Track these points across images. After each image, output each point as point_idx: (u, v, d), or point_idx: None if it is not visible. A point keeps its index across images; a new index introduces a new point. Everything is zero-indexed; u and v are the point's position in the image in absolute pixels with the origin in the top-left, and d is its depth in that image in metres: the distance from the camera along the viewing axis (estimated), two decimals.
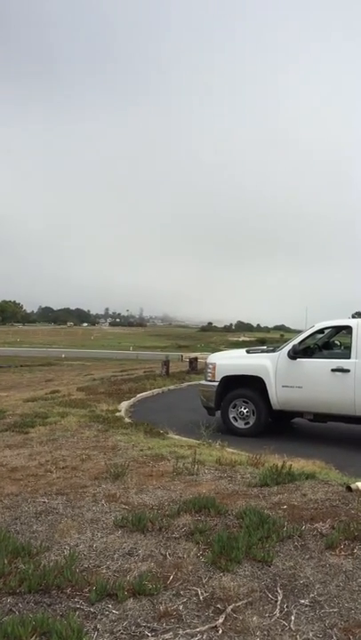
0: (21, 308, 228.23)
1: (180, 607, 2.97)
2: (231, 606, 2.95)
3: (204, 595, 3.08)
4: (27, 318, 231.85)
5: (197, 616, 2.88)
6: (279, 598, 3.04)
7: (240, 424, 9.48)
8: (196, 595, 3.09)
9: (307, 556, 3.56)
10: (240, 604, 2.99)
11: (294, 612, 2.92)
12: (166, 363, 21.37)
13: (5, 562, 3.43)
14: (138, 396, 14.09)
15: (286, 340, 9.95)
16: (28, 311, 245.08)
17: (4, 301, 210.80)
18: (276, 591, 3.12)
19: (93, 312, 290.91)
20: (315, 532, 3.91)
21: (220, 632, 2.72)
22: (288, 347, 9.16)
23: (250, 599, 3.04)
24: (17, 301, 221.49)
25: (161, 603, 3.01)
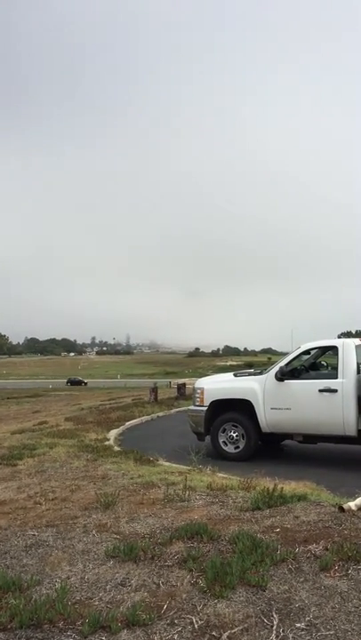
0: (7, 339, 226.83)
1: (175, 636, 2.92)
2: (227, 633, 2.91)
3: (199, 623, 3.04)
4: (13, 350, 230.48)
5: None
6: (275, 623, 3.00)
7: (230, 448, 9.43)
8: (191, 623, 3.04)
9: (301, 579, 3.53)
10: (236, 630, 2.95)
11: (290, 636, 2.88)
12: (154, 390, 21.29)
13: None
14: (127, 424, 13.99)
15: (273, 363, 9.98)
16: (14, 343, 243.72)
17: None
18: (272, 616, 3.08)
19: (80, 341, 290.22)
20: (308, 555, 3.88)
21: None
22: (275, 369, 9.18)
23: (245, 625, 3.00)
24: (2, 333, 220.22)
25: (155, 633, 2.96)
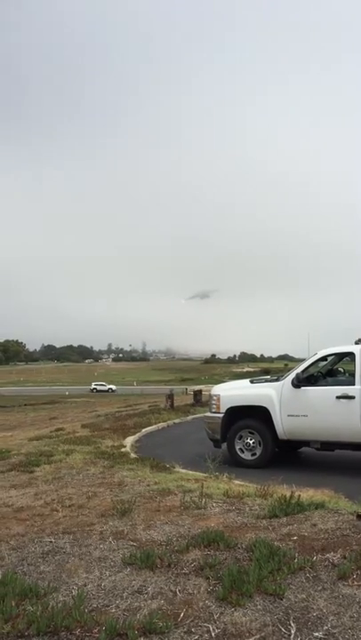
0: (24, 347, 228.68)
1: None
2: None
3: (216, 631, 3.02)
4: (30, 357, 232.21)
5: None
6: (292, 632, 2.98)
7: (247, 455, 9.39)
8: (208, 631, 3.03)
9: (319, 588, 3.49)
10: (253, 639, 2.93)
11: None
12: (171, 396, 21.28)
13: (13, 604, 3.37)
14: (143, 430, 14.00)
15: (290, 370, 9.93)
16: (31, 350, 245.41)
17: (7, 341, 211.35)
18: (290, 625, 3.05)
19: (96, 348, 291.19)
20: (326, 563, 3.85)
21: None
22: (292, 375, 9.13)
23: (262, 634, 2.97)
24: (19, 340, 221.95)
25: None
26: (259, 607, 3.28)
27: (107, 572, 3.95)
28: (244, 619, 3.14)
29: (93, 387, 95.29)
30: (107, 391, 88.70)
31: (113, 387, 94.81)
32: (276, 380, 9.61)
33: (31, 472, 8.05)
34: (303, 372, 9.11)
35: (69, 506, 5.96)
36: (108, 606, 3.39)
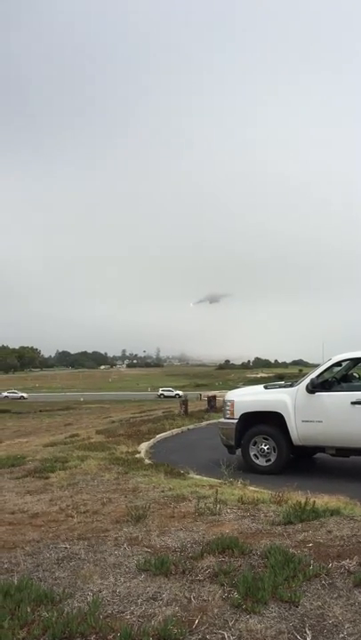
0: (39, 353, 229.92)
1: None
2: None
3: (232, 638, 3.01)
4: (44, 363, 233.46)
5: None
6: (308, 639, 2.96)
7: (261, 461, 9.36)
8: (223, 638, 3.02)
9: (335, 595, 3.47)
10: None
11: None
12: (185, 402, 21.29)
13: (29, 610, 3.38)
14: (157, 436, 14.00)
15: (304, 375, 9.89)
16: (46, 356, 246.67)
17: (22, 347, 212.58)
18: (305, 632, 3.03)
19: (110, 354, 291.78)
20: (342, 570, 3.82)
21: None
22: (306, 381, 9.09)
23: None
24: (34, 347, 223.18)
25: None
26: (274, 614, 3.26)
27: (121, 579, 3.95)
28: (259, 626, 3.13)
29: (160, 392, 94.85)
30: (174, 397, 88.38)
31: (180, 392, 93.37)
32: (291, 385, 9.58)
33: (46, 478, 8.08)
34: (318, 377, 9.07)
35: (84, 512, 5.98)
36: (123, 612, 3.39)
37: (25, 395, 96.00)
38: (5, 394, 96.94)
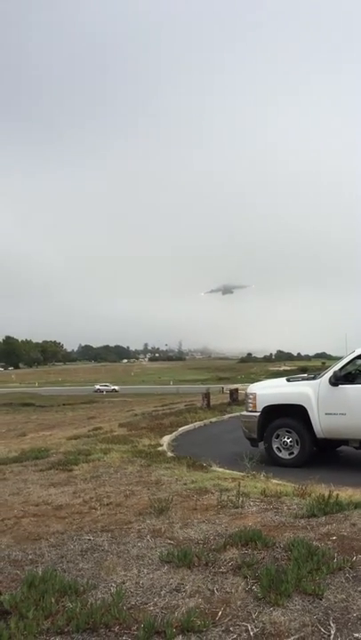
0: (62, 347, 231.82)
1: None
2: None
3: (255, 630, 3.01)
4: (67, 357, 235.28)
5: None
6: (332, 632, 2.94)
7: (284, 454, 9.32)
8: (247, 630, 3.01)
9: (359, 588, 3.44)
10: (292, 639, 2.90)
11: None
12: (207, 395, 21.28)
13: (53, 601, 3.41)
14: (180, 429, 14.03)
15: (327, 368, 9.81)
16: (69, 350, 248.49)
17: (45, 341, 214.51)
18: (329, 625, 3.02)
19: (132, 348, 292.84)
20: None
21: None
22: (329, 373, 9.03)
23: (302, 634, 2.95)
24: (57, 341, 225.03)
25: None
26: (298, 607, 3.25)
27: (144, 570, 3.97)
28: (282, 618, 3.11)
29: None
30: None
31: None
32: (314, 378, 9.52)
33: (70, 470, 8.15)
34: (341, 369, 8.99)
35: (107, 504, 6.02)
36: (147, 604, 3.41)
37: (117, 387, 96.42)
38: (98, 386, 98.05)
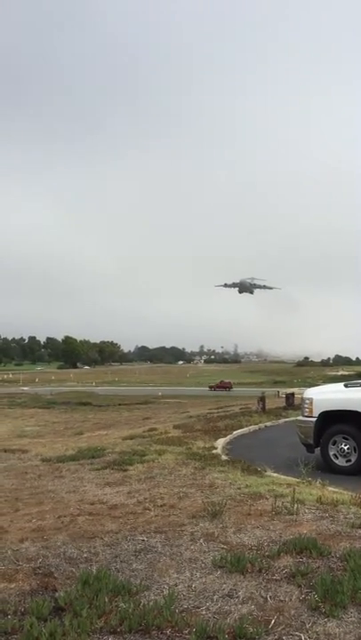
0: (119, 347, 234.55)
1: None
2: None
3: None
4: (124, 358, 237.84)
5: None
6: None
7: (341, 461, 9.12)
8: None
9: None
10: None
11: None
12: (262, 399, 21.09)
13: (106, 600, 3.45)
14: (234, 432, 13.95)
15: None
16: (125, 351, 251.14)
17: (103, 342, 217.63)
18: None
19: (188, 350, 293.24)
20: None
21: None
22: None
23: None
24: (114, 342, 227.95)
25: None
26: (353, 619, 3.17)
27: (197, 574, 3.96)
28: (337, 630, 3.05)
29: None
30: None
31: None
32: None
33: (125, 470, 8.24)
34: None
35: (161, 505, 6.04)
36: (199, 608, 3.40)
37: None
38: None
